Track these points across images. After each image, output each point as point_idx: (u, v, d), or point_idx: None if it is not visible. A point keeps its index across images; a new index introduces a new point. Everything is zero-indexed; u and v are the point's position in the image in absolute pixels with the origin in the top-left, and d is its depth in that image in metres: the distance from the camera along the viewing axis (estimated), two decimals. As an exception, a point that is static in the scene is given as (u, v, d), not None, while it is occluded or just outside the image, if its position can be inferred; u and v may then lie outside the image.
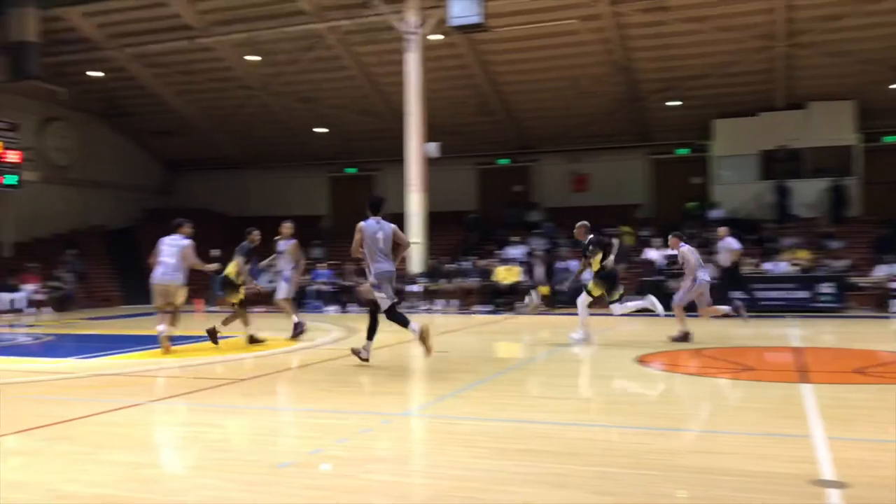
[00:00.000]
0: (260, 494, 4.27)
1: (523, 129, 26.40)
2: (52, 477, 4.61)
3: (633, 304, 11.26)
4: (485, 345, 12.54)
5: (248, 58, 23.93)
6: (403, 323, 8.83)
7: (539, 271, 19.96)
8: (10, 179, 22.41)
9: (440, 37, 21.20)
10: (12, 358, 10.81)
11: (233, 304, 11.64)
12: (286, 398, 7.16)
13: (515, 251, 21.25)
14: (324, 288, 20.75)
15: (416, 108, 20.33)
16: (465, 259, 21.61)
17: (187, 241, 10.49)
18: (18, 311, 19.67)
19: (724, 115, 23.78)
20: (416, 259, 20.47)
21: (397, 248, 9.29)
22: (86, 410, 6.83)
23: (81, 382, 8.02)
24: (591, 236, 11.14)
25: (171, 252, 10.40)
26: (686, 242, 11.85)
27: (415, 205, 20.40)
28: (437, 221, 22.08)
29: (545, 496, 4.17)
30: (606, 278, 10.97)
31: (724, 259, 15.13)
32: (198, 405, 6.98)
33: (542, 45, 22.00)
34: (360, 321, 16.84)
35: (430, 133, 20.90)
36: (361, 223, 8.95)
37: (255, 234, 11.79)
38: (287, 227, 12.36)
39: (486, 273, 20.14)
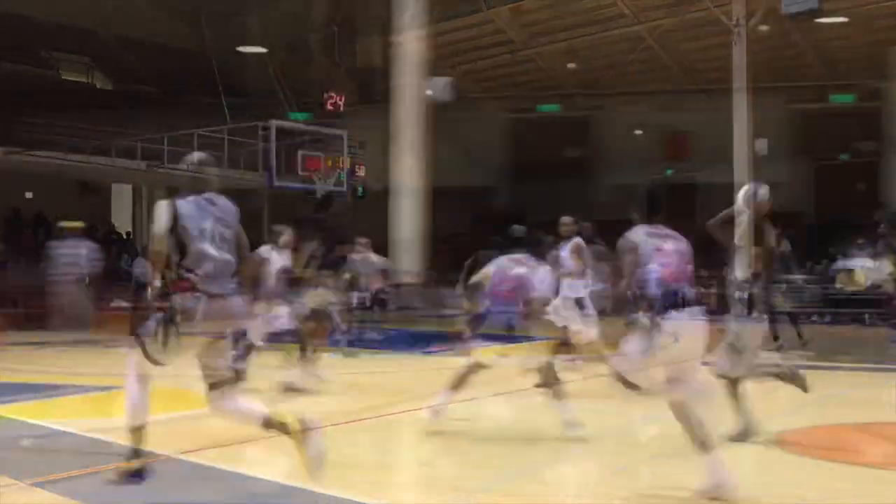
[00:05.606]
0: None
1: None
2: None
3: None
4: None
5: (568, 65, 24.44)
6: None
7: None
8: (359, 192, 25.03)
9: (766, 27, 19.92)
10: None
11: None
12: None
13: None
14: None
15: (744, 102, 19.17)
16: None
17: None
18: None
19: None
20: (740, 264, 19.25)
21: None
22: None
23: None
24: None
25: None
26: None
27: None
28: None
29: None
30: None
31: None
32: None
33: (887, 26, 19.67)
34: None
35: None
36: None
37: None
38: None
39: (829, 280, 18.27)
